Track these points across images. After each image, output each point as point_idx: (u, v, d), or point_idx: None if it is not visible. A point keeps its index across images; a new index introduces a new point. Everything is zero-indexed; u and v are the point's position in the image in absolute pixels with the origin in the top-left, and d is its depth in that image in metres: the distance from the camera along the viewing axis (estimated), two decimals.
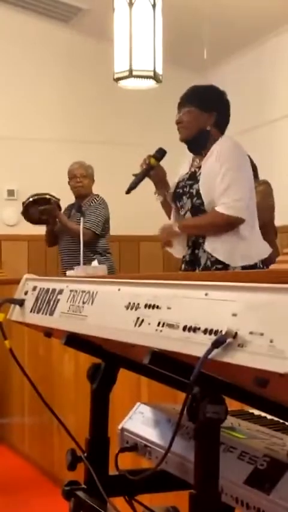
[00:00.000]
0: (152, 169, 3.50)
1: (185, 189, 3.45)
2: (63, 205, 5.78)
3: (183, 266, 3.51)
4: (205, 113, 3.44)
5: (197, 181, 3.39)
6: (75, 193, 5.74)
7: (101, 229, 5.53)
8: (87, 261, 5.14)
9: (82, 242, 5.15)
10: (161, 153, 3.52)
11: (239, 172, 3.34)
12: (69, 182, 5.77)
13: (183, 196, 3.46)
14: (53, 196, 5.61)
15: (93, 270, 4.51)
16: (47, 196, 5.59)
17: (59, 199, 5.64)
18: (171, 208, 3.58)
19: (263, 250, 3.42)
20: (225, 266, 3.32)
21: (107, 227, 5.65)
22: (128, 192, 3.49)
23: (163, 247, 3.58)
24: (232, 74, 7.00)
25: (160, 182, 3.56)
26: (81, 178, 5.67)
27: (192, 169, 3.48)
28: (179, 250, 3.56)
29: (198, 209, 3.39)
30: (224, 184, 3.29)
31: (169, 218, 3.64)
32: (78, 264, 5.11)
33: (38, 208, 5.56)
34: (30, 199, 5.59)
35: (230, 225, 3.30)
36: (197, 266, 3.40)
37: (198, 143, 3.45)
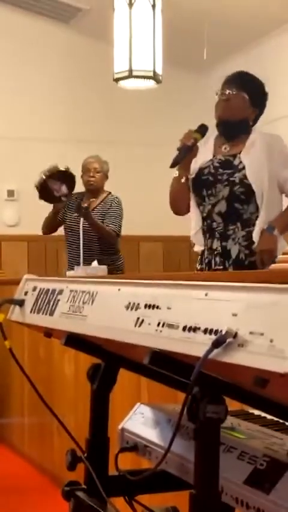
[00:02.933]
0: (195, 144, 3.35)
1: (218, 177, 3.35)
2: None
3: (209, 259, 3.38)
4: (252, 107, 3.46)
5: (237, 170, 3.32)
6: (86, 188, 5.53)
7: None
8: (106, 261, 5.04)
9: (82, 242, 5.12)
10: (204, 129, 3.40)
11: None
12: (82, 176, 5.53)
13: (216, 184, 3.35)
14: (68, 169, 5.24)
15: (93, 270, 4.51)
16: (65, 169, 5.20)
17: (74, 175, 5.30)
18: (188, 192, 3.46)
19: (285, 244, 3.40)
20: None
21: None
22: (173, 165, 3.33)
23: (271, 258, 3.27)
24: None
25: (189, 162, 3.40)
26: (94, 173, 5.46)
27: (222, 158, 3.40)
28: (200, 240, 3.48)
29: (237, 198, 3.31)
30: None
31: (176, 203, 3.52)
32: (92, 261, 4.96)
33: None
34: (47, 173, 5.17)
35: None
36: (226, 259, 3.33)
37: (236, 130, 3.42)
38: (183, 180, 3.42)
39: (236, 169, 3.33)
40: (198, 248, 3.50)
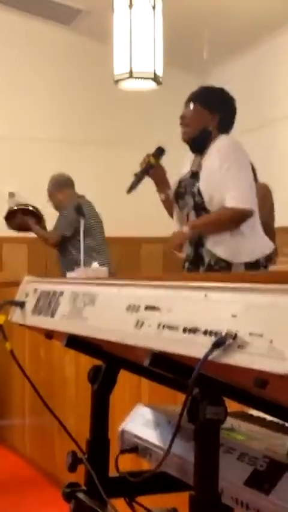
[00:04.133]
0: (151, 168, 3.50)
1: (187, 188, 3.45)
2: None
3: (186, 265, 3.49)
4: (208, 113, 3.45)
5: (198, 179, 3.39)
6: None
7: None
8: (72, 262, 5.20)
9: (82, 243, 5.13)
10: (160, 152, 3.52)
11: (240, 168, 3.34)
12: None
13: (185, 196, 3.46)
14: (35, 208, 5.68)
15: (93, 272, 4.51)
16: (29, 208, 5.68)
17: (39, 213, 5.68)
18: (172, 206, 3.58)
19: (266, 246, 3.42)
20: (229, 264, 3.31)
21: (89, 226, 5.55)
22: (129, 191, 3.49)
23: (174, 250, 3.52)
24: (232, 75, 7.00)
25: (160, 181, 3.56)
26: (51, 203, 5.69)
27: (194, 169, 3.47)
28: (183, 250, 3.53)
29: (200, 207, 3.38)
30: (228, 180, 3.29)
31: (170, 215, 3.63)
32: (70, 268, 5.13)
33: (10, 225, 5.71)
34: (15, 207, 5.69)
35: (241, 217, 3.30)
36: (200, 265, 3.40)
37: (200, 143, 3.45)
38: (162, 198, 3.59)
39: (197, 180, 3.41)
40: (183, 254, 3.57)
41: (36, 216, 5.71)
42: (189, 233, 3.39)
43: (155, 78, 5.07)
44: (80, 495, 1.56)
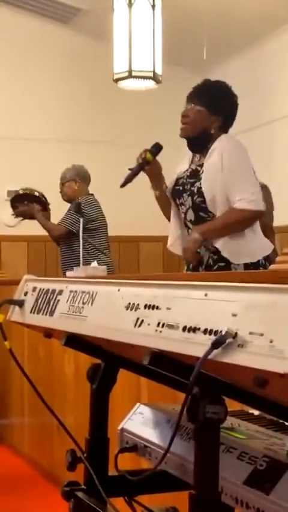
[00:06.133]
0: (147, 163, 3.44)
1: (185, 187, 3.41)
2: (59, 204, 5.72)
3: (191, 265, 3.45)
4: (212, 116, 3.40)
5: (198, 179, 3.36)
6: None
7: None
8: (76, 261, 5.17)
9: (82, 243, 5.13)
10: (157, 148, 3.47)
11: (246, 169, 3.33)
12: None
13: (183, 194, 3.42)
14: (42, 196, 5.60)
15: (93, 270, 4.51)
16: (36, 194, 5.61)
17: (46, 201, 5.62)
18: (167, 203, 3.54)
19: (266, 247, 3.41)
20: (228, 264, 3.30)
21: (96, 227, 5.56)
22: (122, 186, 3.45)
23: (191, 259, 3.39)
24: (232, 74, 6.97)
25: (155, 177, 3.51)
26: (61, 188, 5.65)
27: (193, 167, 3.44)
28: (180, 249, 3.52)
29: (199, 207, 3.36)
30: (234, 181, 3.26)
31: (164, 213, 3.60)
32: (73, 265, 5.11)
33: (15, 211, 5.69)
34: (20, 191, 5.60)
35: (251, 219, 3.29)
36: (199, 265, 3.38)
37: (199, 143, 3.43)
38: (157, 194, 3.54)
39: (197, 179, 3.37)
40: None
41: (43, 203, 5.63)
42: (200, 239, 3.32)
43: (155, 77, 5.06)
44: (79, 494, 1.55)
